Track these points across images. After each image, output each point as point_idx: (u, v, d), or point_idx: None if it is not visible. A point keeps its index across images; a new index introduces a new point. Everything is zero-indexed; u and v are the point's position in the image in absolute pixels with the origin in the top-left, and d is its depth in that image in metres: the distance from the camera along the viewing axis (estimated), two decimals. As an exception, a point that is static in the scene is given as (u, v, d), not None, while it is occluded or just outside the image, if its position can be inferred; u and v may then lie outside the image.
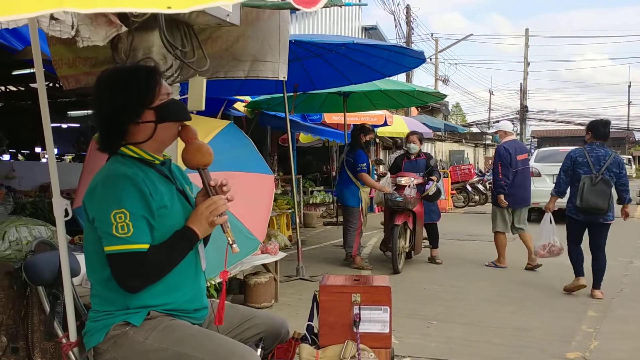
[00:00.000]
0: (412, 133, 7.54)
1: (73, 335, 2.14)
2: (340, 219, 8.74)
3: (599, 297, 5.57)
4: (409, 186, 6.84)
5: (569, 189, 5.76)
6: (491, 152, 27.27)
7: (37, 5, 0.96)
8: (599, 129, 5.66)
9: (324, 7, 1.14)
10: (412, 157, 7.31)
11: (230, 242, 1.96)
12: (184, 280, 2.01)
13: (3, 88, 10.69)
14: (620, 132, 44.23)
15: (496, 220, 7.14)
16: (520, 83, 37.40)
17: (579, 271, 5.76)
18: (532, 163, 12.29)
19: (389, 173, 7.37)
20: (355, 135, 7.24)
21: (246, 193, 4.34)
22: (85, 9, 0.99)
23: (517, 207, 7.06)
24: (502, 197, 6.89)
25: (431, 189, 6.93)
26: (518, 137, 40.11)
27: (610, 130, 5.71)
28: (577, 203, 5.47)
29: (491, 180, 8.04)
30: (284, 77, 4.19)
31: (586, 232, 5.72)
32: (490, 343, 4.32)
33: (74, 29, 2.42)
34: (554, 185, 5.98)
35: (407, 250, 7.04)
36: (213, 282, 4.08)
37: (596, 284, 5.66)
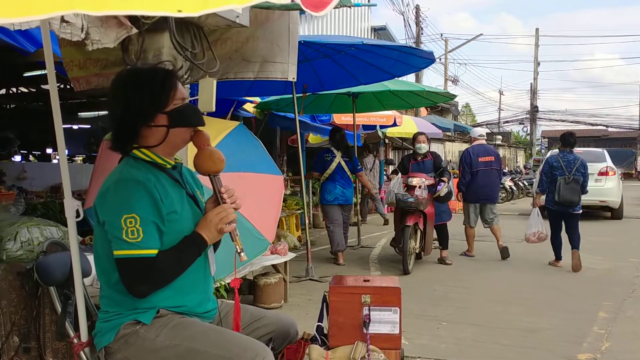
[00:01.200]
0: (420, 134, 7.53)
1: (84, 336, 2.14)
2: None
3: (578, 256, 6.84)
4: (420, 187, 6.83)
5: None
6: (501, 152, 27.22)
7: (49, 7, 0.96)
8: (566, 138, 7.16)
9: (333, 8, 1.14)
10: (419, 158, 7.29)
11: (239, 251, 1.95)
12: (193, 285, 2.01)
13: (15, 90, 10.78)
14: (632, 132, 43.83)
15: (466, 215, 7.88)
16: (531, 83, 37.32)
17: (559, 256, 7.13)
18: None
19: (399, 174, 7.35)
20: (343, 138, 7.52)
21: (256, 194, 4.34)
22: (96, 11, 0.99)
23: (482, 203, 7.78)
24: (461, 194, 7.80)
25: (442, 190, 6.92)
26: (528, 137, 39.99)
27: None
28: (555, 198, 6.85)
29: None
30: (293, 78, 4.20)
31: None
32: (500, 344, 4.31)
33: (83, 31, 2.43)
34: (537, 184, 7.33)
35: (417, 251, 7.03)
36: (222, 283, 4.08)
37: (575, 247, 6.91)
